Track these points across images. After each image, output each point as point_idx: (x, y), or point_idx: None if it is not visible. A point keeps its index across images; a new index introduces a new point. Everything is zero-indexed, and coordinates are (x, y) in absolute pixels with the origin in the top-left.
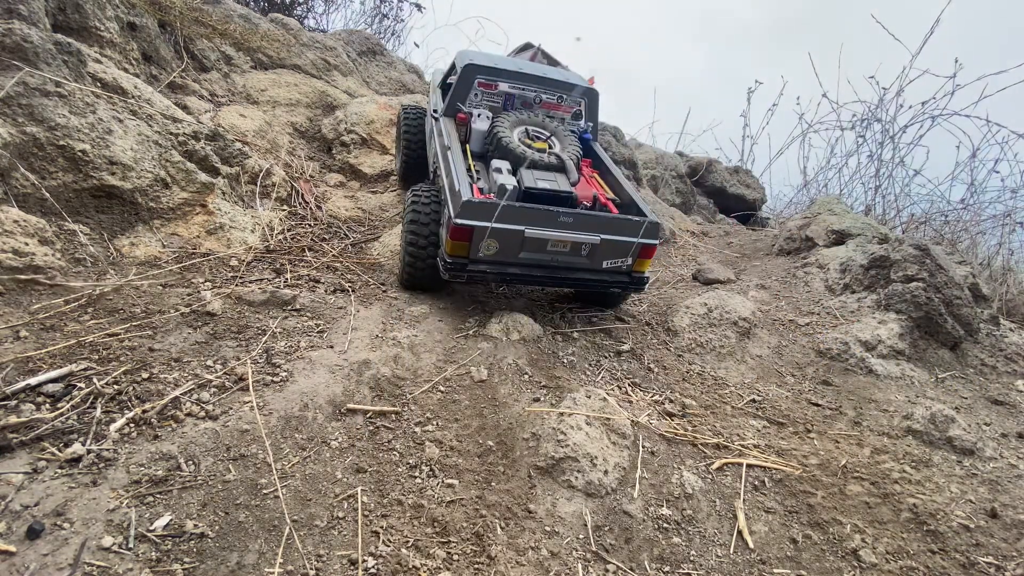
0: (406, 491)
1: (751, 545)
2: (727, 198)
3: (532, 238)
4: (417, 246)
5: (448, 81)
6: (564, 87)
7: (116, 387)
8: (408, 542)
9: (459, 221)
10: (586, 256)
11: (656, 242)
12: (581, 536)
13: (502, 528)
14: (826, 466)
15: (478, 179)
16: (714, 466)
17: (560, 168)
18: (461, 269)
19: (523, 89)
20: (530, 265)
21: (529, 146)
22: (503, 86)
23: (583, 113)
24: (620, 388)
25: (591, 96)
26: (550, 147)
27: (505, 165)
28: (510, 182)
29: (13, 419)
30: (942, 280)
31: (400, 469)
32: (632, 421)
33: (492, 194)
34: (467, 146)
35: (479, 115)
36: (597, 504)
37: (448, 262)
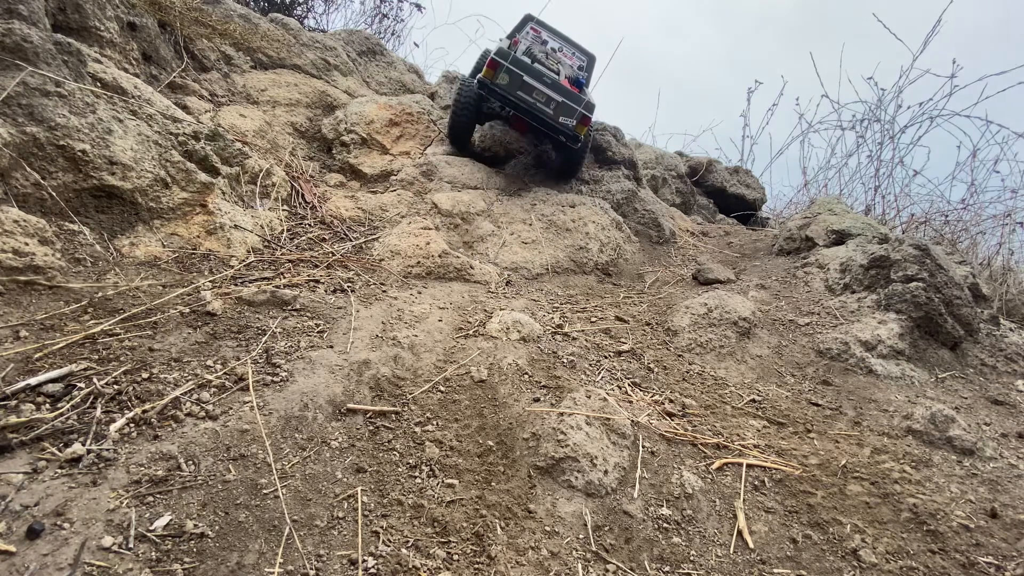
0: (406, 491)
1: (751, 545)
2: (727, 198)
3: (527, 83)
4: (458, 114)
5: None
6: (575, 47)
7: (116, 387)
8: (408, 542)
9: (492, 56)
10: (552, 110)
11: (590, 115)
12: (581, 536)
13: (502, 528)
14: (826, 466)
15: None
16: (714, 466)
17: (556, 72)
18: (487, 87)
19: (552, 39)
20: (523, 101)
21: (544, 61)
22: (543, 34)
23: (584, 68)
24: (620, 388)
25: (590, 59)
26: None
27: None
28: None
29: (13, 419)
30: (942, 280)
31: (400, 469)
32: (632, 421)
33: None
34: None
35: (523, 43)
36: (597, 504)
37: (481, 81)
